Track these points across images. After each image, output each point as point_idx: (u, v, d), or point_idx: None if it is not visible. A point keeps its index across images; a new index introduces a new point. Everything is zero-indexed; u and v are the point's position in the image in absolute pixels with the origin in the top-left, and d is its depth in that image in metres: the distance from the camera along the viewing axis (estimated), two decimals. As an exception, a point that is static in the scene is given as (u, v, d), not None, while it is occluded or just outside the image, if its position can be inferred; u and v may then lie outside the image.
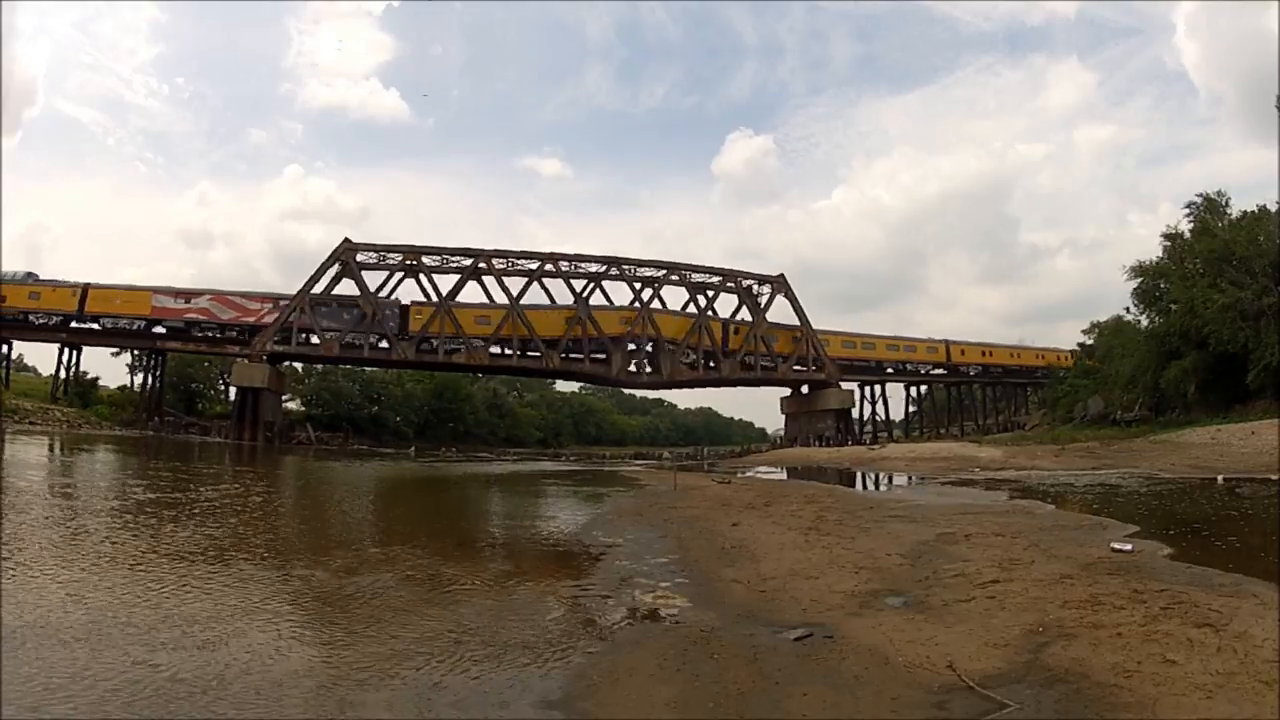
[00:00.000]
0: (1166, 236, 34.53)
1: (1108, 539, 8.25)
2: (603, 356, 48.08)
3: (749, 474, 27.80)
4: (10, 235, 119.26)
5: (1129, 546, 7.76)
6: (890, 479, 22.99)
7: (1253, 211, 32.64)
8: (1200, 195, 34.09)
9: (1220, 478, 15.44)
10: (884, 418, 60.95)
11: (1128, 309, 38.27)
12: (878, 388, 58.43)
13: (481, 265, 46.38)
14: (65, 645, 5.02)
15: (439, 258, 46.80)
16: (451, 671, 4.95)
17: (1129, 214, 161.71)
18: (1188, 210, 34.34)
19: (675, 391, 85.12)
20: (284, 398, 51.99)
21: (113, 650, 4.99)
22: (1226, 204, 33.63)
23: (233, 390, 48.10)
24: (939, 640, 5.15)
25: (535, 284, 47.31)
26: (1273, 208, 31.95)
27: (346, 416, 57.61)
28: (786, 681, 4.62)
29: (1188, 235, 33.62)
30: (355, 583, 7.35)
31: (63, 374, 46.75)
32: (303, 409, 57.81)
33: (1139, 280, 34.58)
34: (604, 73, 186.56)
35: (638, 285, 48.79)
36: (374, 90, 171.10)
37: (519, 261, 47.29)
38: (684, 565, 8.38)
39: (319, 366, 57.54)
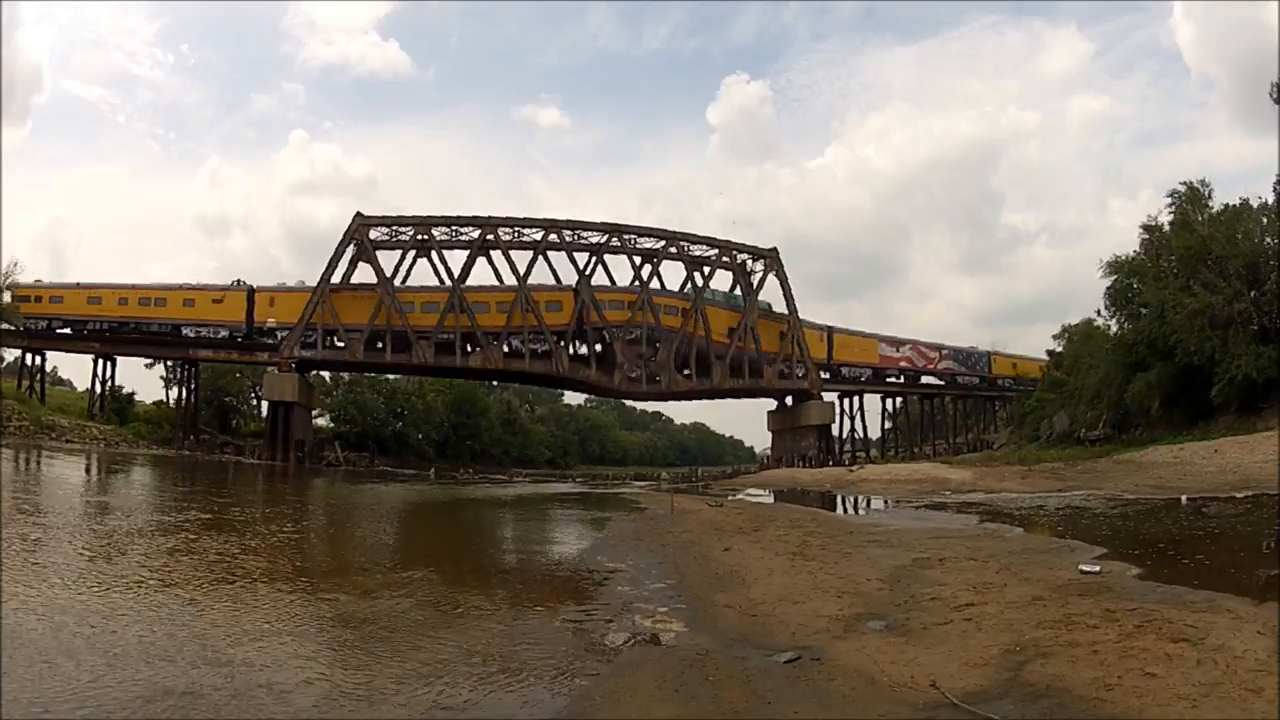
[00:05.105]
0: (1145, 229, 30.69)
1: (1076, 561, 8.11)
2: (605, 336, 45.94)
3: (739, 496, 27.55)
4: (31, 233, 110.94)
5: (1097, 568, 7.64)
6: (868, 502, 22.61)
7: (1235, 205, 28.77)
8: (1184, 184, 30.14)
9: (1184, 498, 14.80)
10: (862, 435, 55.45)
11: (1099, 311, 34.23)
12: (855, 400, 53.44)
13: (489, 237, 44.86)
14: (87, 654, 5.01)
15: (449, 230, 45.54)
16: (461, 690, 4.91)
17: (1110, 199, 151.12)
18: (1170, 199, 30.42)
19: (671, 406, 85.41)
20: (313, 413, 50.34)
21: (133, 660, 4.98)
22: (1209, 195, 29.71)
23: (264, 406, 46.32)
24: (921, 661, 5.09)
25: (540, 260, 45.56)
26: (1255, 201, 28.13)
27: (372, 434, 56.17)
28: (778, 701, 4.57)
29: (1167, 228, 29.86)
30: (374, 606, 7.28)
31: (98, 388, 44.29)
32: (331, 425, 56.22)
33: (1113, 278, 30.52)
34: (606, 14, 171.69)
35: (638, 260, 47.00)
36: (374, 43, 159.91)
37: (525, 231, 45.82)
38: (680, 590, 8.27)
39: (345, 377, 55.77)
